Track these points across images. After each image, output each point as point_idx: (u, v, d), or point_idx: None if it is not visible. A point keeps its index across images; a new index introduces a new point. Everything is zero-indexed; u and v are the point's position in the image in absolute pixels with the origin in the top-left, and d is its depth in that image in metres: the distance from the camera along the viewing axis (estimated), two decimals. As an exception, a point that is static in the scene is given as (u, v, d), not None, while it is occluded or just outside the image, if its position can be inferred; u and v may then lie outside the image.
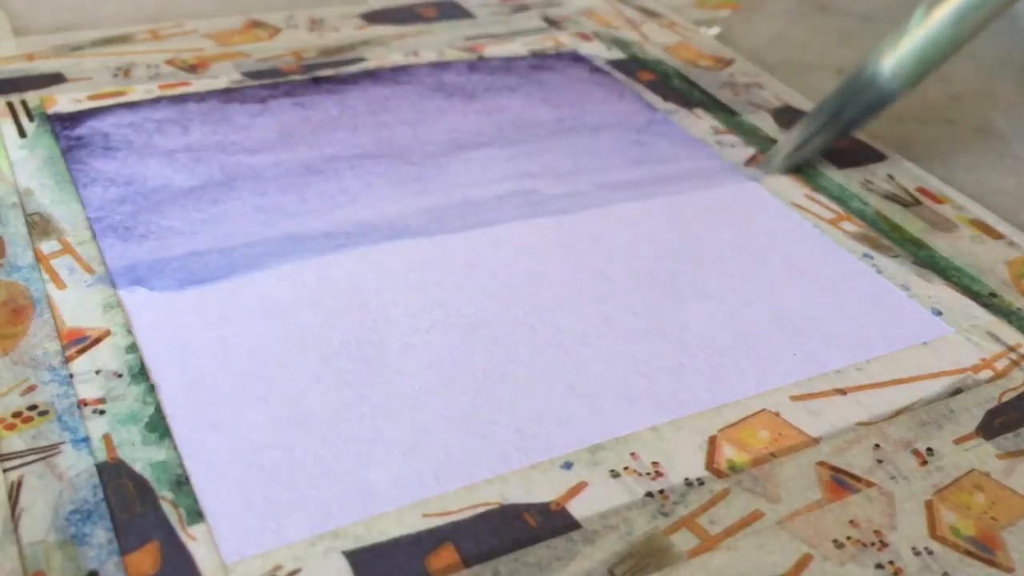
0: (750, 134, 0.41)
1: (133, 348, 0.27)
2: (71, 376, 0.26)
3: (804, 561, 0.23)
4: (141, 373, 0.26)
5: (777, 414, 0.27)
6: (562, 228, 0.34)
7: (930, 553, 0.24)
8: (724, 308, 0.31)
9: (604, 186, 0.37)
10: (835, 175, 0.39)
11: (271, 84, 0.41)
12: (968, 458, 0.27)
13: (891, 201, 0.38)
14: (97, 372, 0.26)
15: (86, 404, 0.25)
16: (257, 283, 0.30)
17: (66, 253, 0.30)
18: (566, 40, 0.48)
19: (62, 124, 0.37)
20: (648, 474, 0.25)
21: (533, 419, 0.26)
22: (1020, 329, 0.31)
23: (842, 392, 0.28)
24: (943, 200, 0.38)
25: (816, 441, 0.27)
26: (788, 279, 0.33)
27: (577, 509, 0.24)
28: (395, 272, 0.31)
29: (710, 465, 0.25)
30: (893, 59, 0.36)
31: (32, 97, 0.38)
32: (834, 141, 0.38)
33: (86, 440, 0.24)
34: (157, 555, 0.22)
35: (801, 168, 0.39)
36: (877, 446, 0.27)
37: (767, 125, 0.42)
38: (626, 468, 0.25)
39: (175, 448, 0.24)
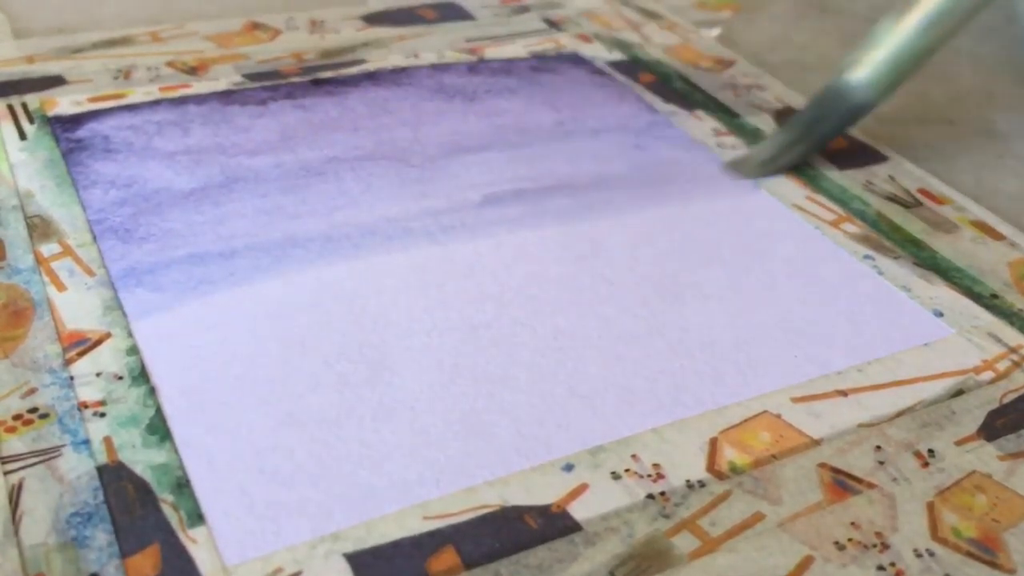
0: (751, 136, 0.41)
1: (133, 350, 0.27)
2: (71, 379, 0.26)
3: (805, 563, 0.23)
4: (141, 375, 0.26)
5: (778, 416, 0.27)
6: (562, 230, 0.34)
7: (931, 555, 0.24)
8: (725, 310, 0.31)
9: (604, 189, 0.36)
10: (836, 176, 0.39)
11: (271, 86, 0.41)
12: (969, 459, 0.26)
13: (892, 202, 0.37)
14: (98, 374, 0.26)
15: (87, 406, 0.25)
16: (257, 285, 0.30)
17: (66, 255, 0.30)
18: (566, 42, 0.47)
19: (62, 126, 0.37)
20: (649, 476, 0.25)
21: (534, 421, 0.26)
22: (1021, 330, 0.31)
23: (843, 393, 0.28)
24: (944, 201, 0.38)
25: (817, 443, 0.27)
26: (789, 281, 0.33)
27: (578, 511, 0.24)
28: (395, 274, 0.31)
29: (711, 467, 0.25)
30: (866, 69, 0.36)
31: (32, 99, 0.38)
32: (809, 153, 0.38)
33: (87, 442, 0.24)
34: (158, 557, 0.22)
35: (800, 169, 0.39)
36: (878, 447, 0.27)
37: (768, 126, 0.42)
38: (627, 470, 0.25)
39: (175, 450, 0.24)
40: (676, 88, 0.44)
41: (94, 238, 0.31)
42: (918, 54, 0.36)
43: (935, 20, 0.35)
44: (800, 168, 0.39)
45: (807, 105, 0.38)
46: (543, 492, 0.24)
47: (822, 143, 0.38)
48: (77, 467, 0.24)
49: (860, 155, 0.40)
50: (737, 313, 0.31)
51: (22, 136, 0.36)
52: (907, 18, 0.36)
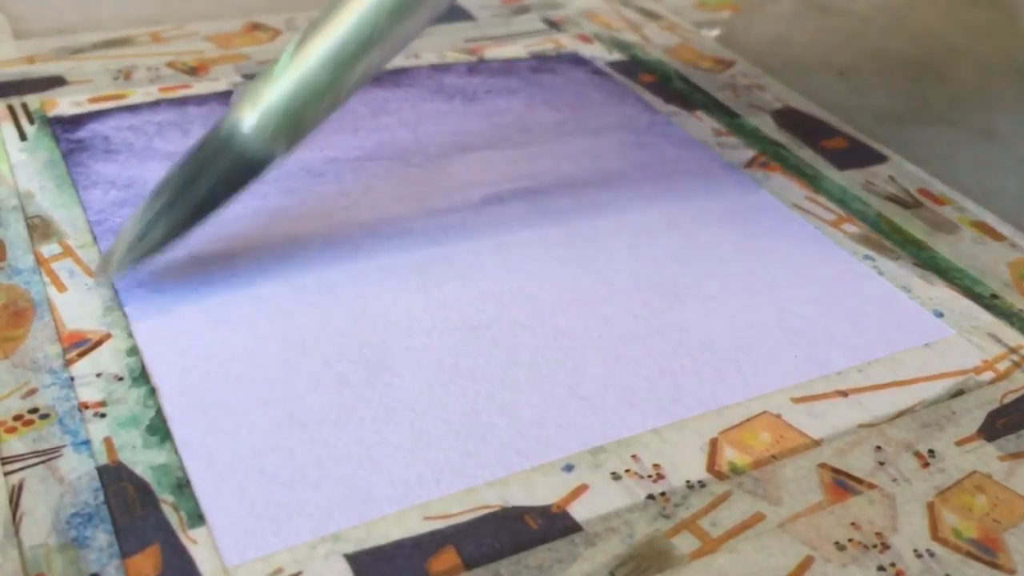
0: (751, 136, 0.41)
1: (134, 351, 0.27)
2: (72, 379, 0.26)
3: (805, 563, 0.23)
4: (142, 376, 0.26)
5: (778, 416, 0.27)
6: (562, 230, 0.34)
7: (932, 555, 0.24)
8: (725, 310, 0.31)
9: (605, 188, 0.36)
10: (836, 177, 0.39)
11: (272, 86, 0.41)
12: (970, 460, 0.26)
13: (892, 203, 0.37)
14: (98, 375, 0.26)
15: (87, 407, 0.25)
16: (258, 286, 0.30)
17: (67, 256, 0.30)
18: (567, 42, 0.48)
19: (63, 127, 0.37)
20: (649, 476, 0.25)
21: (534, 421, 0.26)
22: (1022, 331, 0.31)
23: (843, 394, 0.28)
24: (945, 202, 0.38)
25: (817, 443, 0.27)
26: (789, 281, 0.33)
27: (578, 511, 0.24)
28: (396, 274, 0.31)
29: (711, 467, 0.25)
30: (255, 115, 0.28)
31: (32, 100, 0.38)
32: (192, 223, 0.29)
33: (87, 443, 0.24)
34: (158, 558, 0.22)
35: (800, 169, 0.39)
36: (878, 448, 0.27)
37: (768, 127, 0.42)
38: (627, 470, 0.25)
39: (176, 451, 0.24)
40: (676, 88, 0.44)
41: (95, 239, 0.31)
42: (322, 96, 0.28)
43: (341, 53, 0.28)
44: (800, 168, 0.39)
45: (179, 161, 0.29)
46: (543, 492, 0.24)
47: (206, 208, 0.29)
48: (77, 468, 0.24)
49: (860, 155, 0.41)
50: (737, 313, 0.31)
51: (22, 137, 0.36)
52: (305, 51, 0.28)
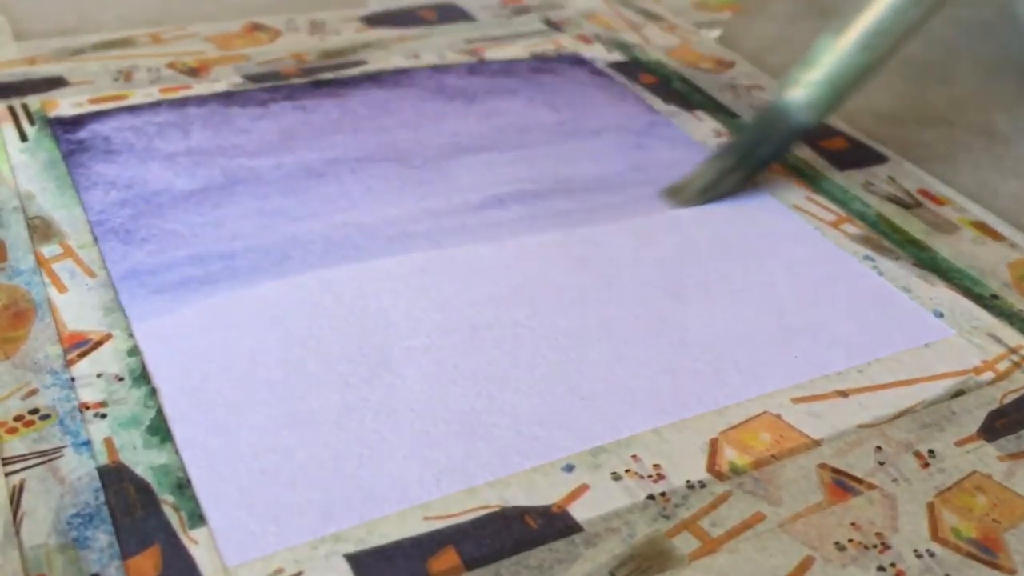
0: (751, 136, 0.41)
1: (134, 351, 0.27)
2: (72, 380, 0.26)
3: (806, 563, 0.23)
4: (142, 376, 0.26)
5: (778, 416, 0.27)
6: (563, 232, 0.34)
7: (932, 555, 0.24)
8: (725, 310, 0.31)
9: (605, 189, 0.37)
10: (836, 177, 0.39)
11: (272, 87, 0.41)
12: (970, 460, 0.27)
13: (892, 203, 0.38)
14: (98, 376, 0.26)
15: (87, 408, 0.25)
16: (258, 286, 0.30)
17: (67, 257, 0.30)
18: (567, 43, 0.48)
19: (63, 128, 0.37)
20: (649, 476, 0.25)
21: (534, 422, 0.26)
22: (1021, 331, 0.31)
23: (843, 394, 0.28)
24: (944, 202, 0.38)
25: (817, 443, 0.27)
26: (789, 281, 0.33)
27: (578, 511, 0.24)
28: (396, 275, 0.31)
29: (711, 467, 0.25)
30: (804, 90, 0.35)
31: (33, 101, 0.38)
32: (750, 178, 0.37)
33: (87, 444, 0.24)
34: (158, 558, 0.22)
35: (800, 170, 0.39)
36: (879, 448, 0.27)
37: (768, 127, 0.42)
38: (627, 470, 0.25)
39: (176, 451, 0.24)
40: (676, 89, 0.44)
41: (95, 239, 0.31)
42: (857, 73, 0.35)
43: (873, 39, 0.34)
44: (800, 168, 0.39)
45: (745, 129, 0.37)
46: (543, 493, 0.24)
47: (761, 167, 0.37)
48: (78, 468, 0.24)
49: (860, 156, 0.41)
50: (737, 314, 0.31)
51: (23, 137, 0.36)
52: (844, 37, 0.34)
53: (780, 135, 0.36)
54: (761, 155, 0.36)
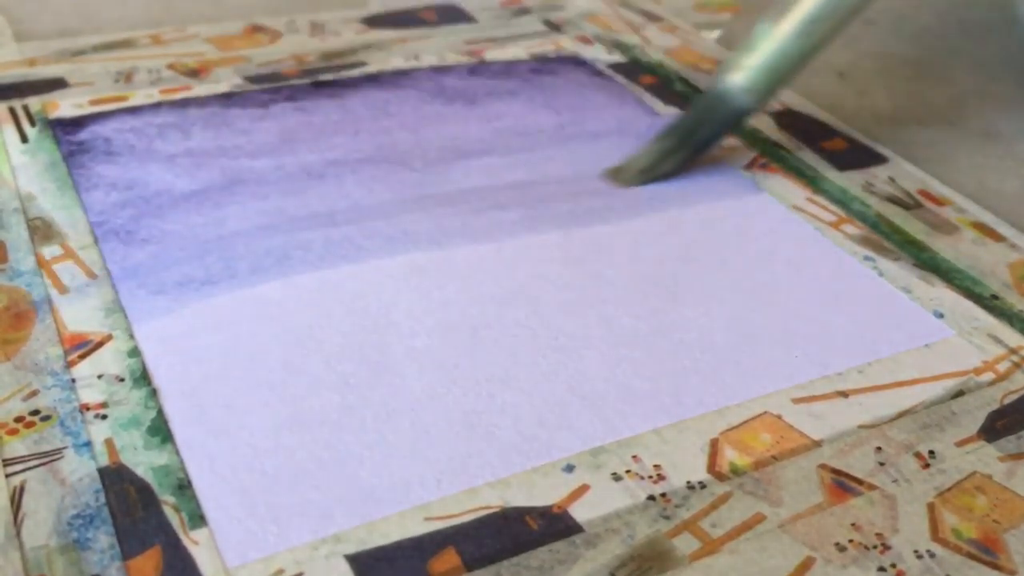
0: (751, 137, 0.41)
1: (135, 352, 0.27)
2: (73, 381, 0.26)
3: (806, 564, 0.23)
4: (143, 377, 0.26)
5: (779, 417, 0.27)
6: (563, 233, 0.34)
7: (932, 556, 0.24)
8: (725, 311, 0.31)
9: (605, 190, 0.37)
10: (836, 178, 0.39)
11: (272, 88, 0.41)
12: (970, 460, 0.27)
13: (892, 204, 0.38)
14: (99, 377, 0.26)
15: (88, 409, 0.25)
16: (258, 287, 0.30)
17: (68, 258, 0.30)
18: (567, 44, 0.48)
19: (64, 129, 0.37)
20: (650, 477, 0.25)
21: (534, 422, 0.26)
22: (1022, 331, 0.31)
23: (844, 395, 0.28)
24: (944, 202, 0.38)
25: (818, 444, 0.27)
26: (789, 282, 0.33)
27: (579, 512, 0.24)
28: (397, 276, 0.31)
29: (712, 468, 0.25)
30: (744, 74, 0.36)
31: (34, 102, 0.38)
32: (691, 159, 0.37)
33: (88, 445, 0.24)
34: (159, 559, 0.22)
35: (800, 170, 0.39)
36: (879, 449, 0.27)
37: (768, 128, 0.42)
38: (628, 471, 0.25)
39: (177, 452, 0.24)
40: (676, 90, 0.44)
41: (95, 240, 0.31)
42: (795, 59, 0.36)
43: (811, 25, 0.35)
44: (800, 169, 0.39)
45: (685, 111, 0.38)
46: (544, 493, 0.24)
47: (702, 149, 0.37)
48: (79, 469, 0.24)
49: (860, 156, 0.41)
50: (737, 314, 0.31)
51: (24, 139, 0.36)
52: (783, 23, 0.35)
53: (720, 118, 0.37)
54: (701, 137, 0.37)
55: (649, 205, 0.36)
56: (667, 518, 0.24)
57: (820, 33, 0.35)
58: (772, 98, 0.37)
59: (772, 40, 0.35)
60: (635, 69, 0.46)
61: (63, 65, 0.41)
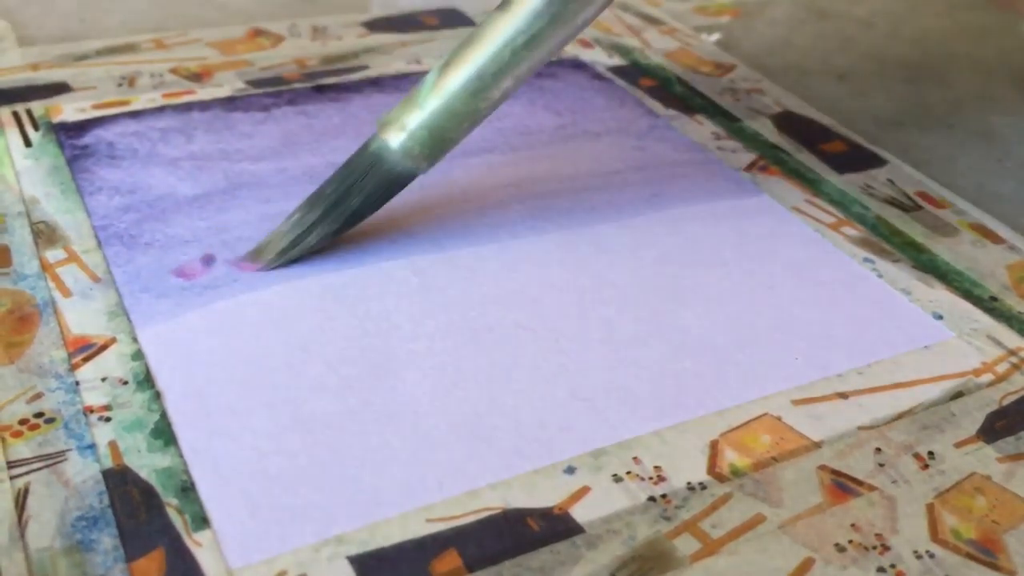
0: (751, 140, 0.41)
1: (138, 355, 0.27)
2: (77, 383, 0.26)
3: (806, 565, 0.23)
4: (146, 380, 0.27)
5: (779, 418, 0.27)
6: (564, 234, 0.34)
7: (932, 556, 0.24)
8: (725, 312, 0.31)
9: (605, 191, 0.37)
10: (835, 180, 0.39)
11: (274, 92, 0.41)
12: (969, 461, 0.27)
13: (891, 206, 0.38)
14: (103, 379, 0.26)
15: (92, 411, 0.25)
16: (261, 290, 0.30)
17: (72, 261, 0.31)
18: (567, 47, 0.48)
19: (67, 133, 0.37)
20: (650, 478, 0.25)
21: (535, 424, 0.26)
22: (1021, 333, 0.31)
23: (843, 396, 0.28)
24: (944, 205, 0.38)
25: (818, 445, 0.27)
26: (789, 284, 0.33)
27: (580, 513, 0.24)
28: (398, 278, 0.31)
29: (712, 469, 0.26)
30: (402, 136, 0.30)
31: (37, 106, 0.39)
32: (343, 229, 0.31)
33: (92, 447, 0.24)
34: (162, 561, 0.22)
35: (800, 172, 0.39)
36: (878, 450, 0.27)
37: (768, 131, 0.42)
38: (628, 473, 0.25)
39: (180, 454, 0.25)
40: (676, 93, 0.44)
41: (99, 244, 0.31)
42: (463, 119, 0.30)
43: (483, 79, 0.29)
44: (799, 172, 0.39)
45: (334, 175, 0.31)
46: (545, 495, 0.24)
47: (356, 219, 0.31)
48: (83, 471, 0.24)
49: (859, 159, 0.41)
50: (738, 315, 0.31)
51: (27, 143, 0.36)
52: (450, 75, 0.30)
53: (377, 183, 0.31)
54: (353, 206, 0.31)
55: (650, 205, 0.36)
56: (668, 519, 0.24)
57: (497, 87, 0.30)
58: (439, 160, 0.31)
59: (436, 95, 0.30)
60: (635, 72, 0.46)
61: (66, 70, 0.42)
